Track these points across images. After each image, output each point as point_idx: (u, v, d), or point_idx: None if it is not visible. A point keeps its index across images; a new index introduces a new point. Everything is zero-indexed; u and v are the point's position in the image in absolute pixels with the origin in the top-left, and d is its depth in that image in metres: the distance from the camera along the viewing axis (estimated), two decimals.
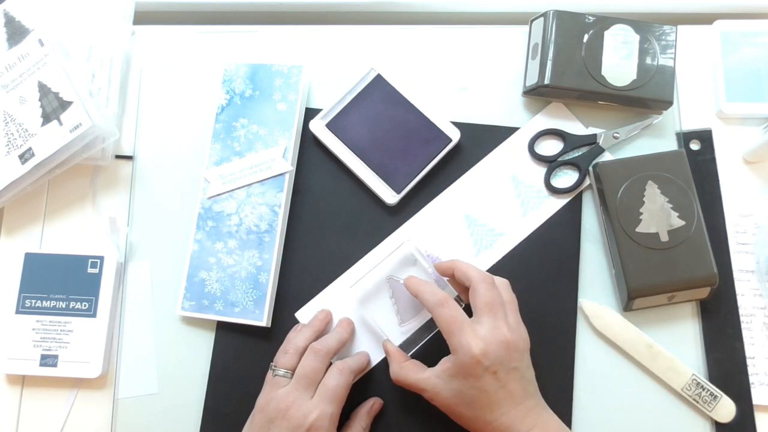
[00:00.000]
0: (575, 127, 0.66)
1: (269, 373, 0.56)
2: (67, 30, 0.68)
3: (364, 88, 0.66)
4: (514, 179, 0.65)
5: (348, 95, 0.66)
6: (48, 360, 0.61)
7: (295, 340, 0.58)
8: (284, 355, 0.57)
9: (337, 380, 0.55)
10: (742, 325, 0.61)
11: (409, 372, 0.56)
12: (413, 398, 0.57)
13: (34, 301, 0.62)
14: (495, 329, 0.52)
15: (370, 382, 0.61)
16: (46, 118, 0.63)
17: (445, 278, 0.59)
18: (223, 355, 0.62)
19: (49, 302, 0.62)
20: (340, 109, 0.66)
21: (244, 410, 0.57)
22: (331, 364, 0.57)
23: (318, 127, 0.66)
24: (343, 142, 0.65)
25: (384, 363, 0.60)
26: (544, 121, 0.67)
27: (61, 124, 0.63)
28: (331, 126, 0.66)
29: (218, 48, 0.71)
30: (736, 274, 0.62)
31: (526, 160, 0.66)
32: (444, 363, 0.54)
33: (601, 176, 0.61)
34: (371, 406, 0.59)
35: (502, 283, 0.57)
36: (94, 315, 0.62)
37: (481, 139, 0.66)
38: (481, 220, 0.64)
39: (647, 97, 0.63)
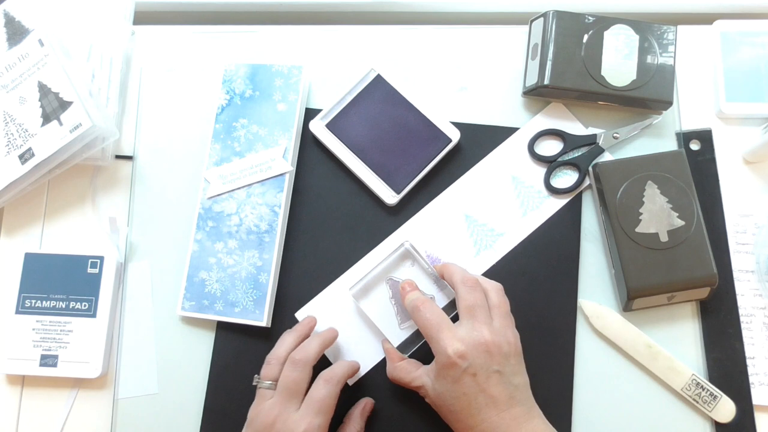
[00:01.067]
0: (575, 128, 0.66)
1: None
2: (67, 30, 0.68)
3: (364, 88, 0.66)
4: (514, 179, 0.65)
5: (348, 95, 0.66)
6: (48, 360, 0.61)
7: (276, 350, 0.57)
8: (267, 366, 0.56)
9: (324, 391, 0.54)
10: (742, 325, 0.61)
11: (402, 371, 0.56)
12: (414, 399, 0.57)
13: (34, 301, 0.62)
14: (473, 331, 0.52)
15: (372, 381, 0.61)
16: (46, 118, 0.63)
17: None
18: (223, 355, 0.62)
19: (49, 302, 0.62)
20: (340, 110, 0.66)
21: (244, 410, 0.57)
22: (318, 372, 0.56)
23: (318, 128, 0.66)
24: (343, 142, 0.65)
25: (385, 363, 0.60)
26: (543, 121, 0.67)
27: (61, 124, 0.63)
28: (331, 126, 0.66)
29: (218, 48, 0.71)
30: (736, 274, 0.62)
31: (525, 161, 0.66)
32: (432, 364, 0.54)
33: (600, 176, 0.61)
34: (363, 407, 0.59)
35: (493, 287, 0.56)
36: (94, 315, 0.62)
37: (481, 139, 0.66)
38: (481, 220, 0.64)
39: (647, 97, 0.63)
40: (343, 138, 0.65)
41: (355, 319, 0.62)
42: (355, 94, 0.66)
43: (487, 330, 0.52)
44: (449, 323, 0.53)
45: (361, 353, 0.61)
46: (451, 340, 0.51)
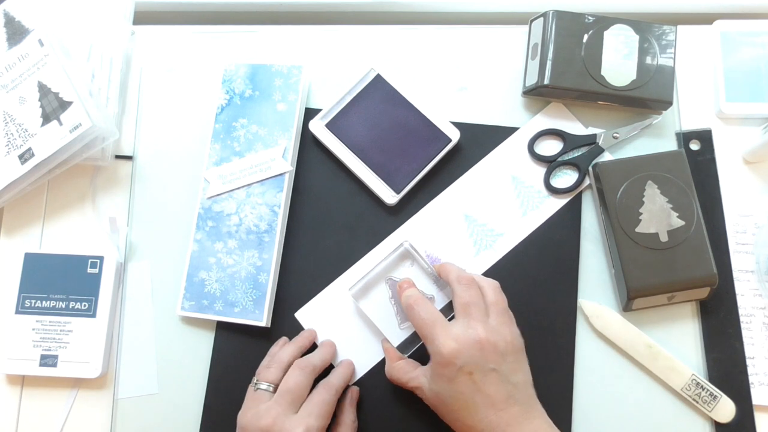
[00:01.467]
0: (575, 127, 0.66)
1: (250, 388, 0.56)
2: (67, 30, 0.68)
3: (364, 88, 0.66)
4: (513, 179, 0.65)
5: (348, 95, 0.66)
6: (48, 360, 0.61)
7: (279, 354, 0.57)
8: (267, 370, 0.56)
9: (323, 396, 0.54)
10: (742, 325, 0.61)
11: (400, 371, 0.56)
12: (415, 399, 0.57)
13: (33, 301, 0.62)
14: (468, 329, 0.52)
15: (373, 380, 0.61)
16: (46, 118, 0.63)
17: None
18: (223, 355, 0.62)
19: (48, 302, 0.62)
20: (339, 109, 0.66)
21: None
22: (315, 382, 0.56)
23: (318, 128, 0.66)
24: (342, 142, 0.65)
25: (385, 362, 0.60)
26: (543, 121, 0.67)
27: (61, 124, 0.63)
28: (331, 126, 0.66)
29: (218, 48, 0.71)
30: (735, 274, 0.62)
31: (525, 160, 0.66)
32: (429, 363, 0.54)
33: (600, 176, 0.61)
34: (351, 396, 0.59)
35: (489, 285, 0.56)
36: (93, 315, 0.62)
37: (480, 139, 0.66)
38: (480, 220, 0.64)
39: (647, 97, 0.63)
40: (342, 138, 0.65)
41: (355, 319, 0.62)
42: (354, 94, 0.66)
43: (482, 327, 0.52)
44: (444, 321, 0.53)
45: (361, 353, 0.61)
46: (445, 338, 0.51)
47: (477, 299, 0.54)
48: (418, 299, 0.55)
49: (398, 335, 0.59)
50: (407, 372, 0.56)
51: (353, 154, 0.65)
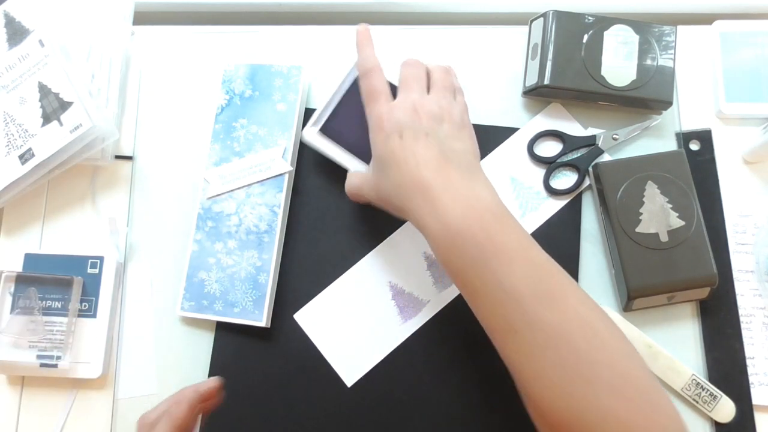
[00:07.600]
0: (574, 129, 0.66)
1: None
2: (67, 30, 0.68)
3: (351, 84, 0.64)
4: (513, 180, 0.65)
5: (336, 95, 0.63)
6: (48, 360, 0.61)
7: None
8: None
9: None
10: (742, 326, 0.61)
11: (351, 178, 0.58)
12: (415, 400, 0.57)
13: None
14: (405, 97, 0.53)
15: (373, 381, 0.61)
16: (47, 119, 0.64)
17: None
18: (223, 356, 0.62)
19: (49, 302, 0.62)
20: (331, 111, 0.63)
21: (243, 410, 0.57)
22: None
23: (311, 135, 0.63)
24: (339, 144, 0.63)
25: (386, 361, 0.60)
26: (543, 121, 0.67)
27: (61, 124, 0.63)
28: (325, 130, 0.63)
29: (218, 48, 0.71)
30: (735, 275, 0.62)
31: (525, 162, 0.66)
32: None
33: (600, 176, 0.61)
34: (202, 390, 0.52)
35: (438, 66, 0.57)
36: (94, 315, 0.62)
37: (480, 140, 0.65)
38: None
39: (647, 98, 0.63)
40: (339, 141, 0.63)
41: (355, 319, 0.62)
42: (344, 91, 0.63)
43: (418, 95, 0.52)
44: (389, 95, 0.53)
45: (360, 355, 0.61)
46: (384, 105, 0.52)
47: (419, 75, 0.54)
48: (377, 68, 0.55)
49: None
50: (356, 177, 0.57)
51: (352, 154, 0.64)
